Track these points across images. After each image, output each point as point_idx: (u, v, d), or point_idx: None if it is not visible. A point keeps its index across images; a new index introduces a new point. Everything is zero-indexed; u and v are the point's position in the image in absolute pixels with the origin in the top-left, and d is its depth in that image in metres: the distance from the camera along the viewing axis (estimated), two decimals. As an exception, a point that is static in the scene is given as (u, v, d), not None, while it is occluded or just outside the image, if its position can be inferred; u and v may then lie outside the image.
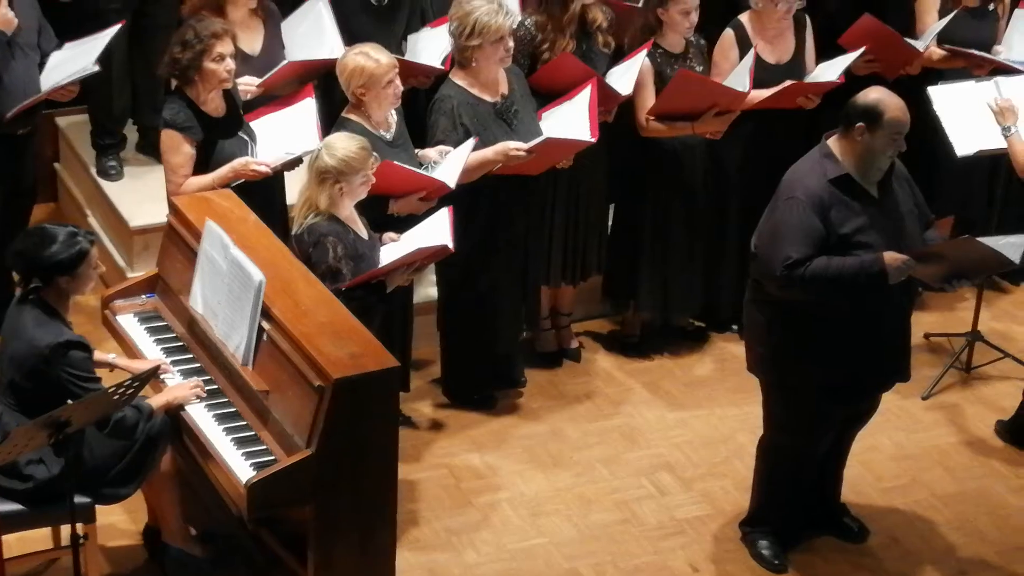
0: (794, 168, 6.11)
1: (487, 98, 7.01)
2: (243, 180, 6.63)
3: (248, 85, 6.96)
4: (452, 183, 6.67)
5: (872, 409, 6.53)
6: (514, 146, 6.89)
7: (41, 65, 7.16)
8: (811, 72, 7.76)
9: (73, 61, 7.12)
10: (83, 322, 7.09)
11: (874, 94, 6.01)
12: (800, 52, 7.75)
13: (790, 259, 5.92)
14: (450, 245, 6.36)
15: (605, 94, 7.26)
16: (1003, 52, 7.93)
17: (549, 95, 7.27)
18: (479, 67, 6.94)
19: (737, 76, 7.46)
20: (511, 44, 6.96)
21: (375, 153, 6.29)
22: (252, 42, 7.14)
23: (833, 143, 6.06)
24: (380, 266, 6.29)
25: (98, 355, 6.05)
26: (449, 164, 6.78)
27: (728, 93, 7.41)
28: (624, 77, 7.38)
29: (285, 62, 7.08)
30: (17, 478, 5.76)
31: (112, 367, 6.15)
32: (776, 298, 6.07)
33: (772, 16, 7.56)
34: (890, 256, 5.92)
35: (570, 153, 7.20)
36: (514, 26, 6.99)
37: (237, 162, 6.62)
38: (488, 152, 6.89)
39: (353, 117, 6.67)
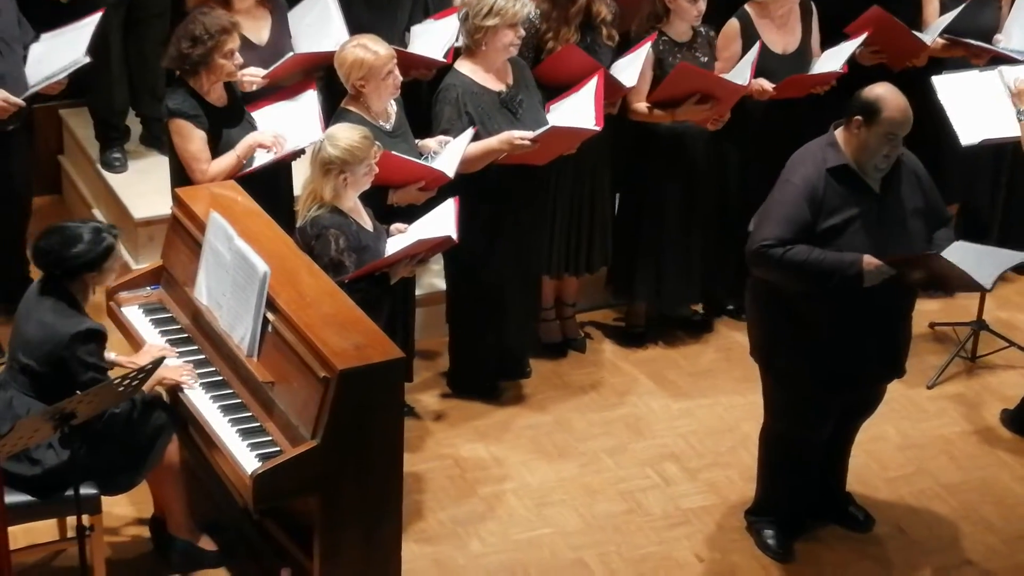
0: (801, 150, 6.13)
1: (492, 87, 7.01)
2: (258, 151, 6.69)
3: (254, 76, 6.97)
4: (451, 173, 6.67)
5: (874, 401, 6.52)
6: (519, 135, 6.89)
7: (23, 59, 7.14)
8: (817, 60, 7.76)
9: (57, 53, 7.08)
10: (89, 313, 7.09)
11: (879, 90, 5.99)
12: (806, 41, 7.75)
13: (766, 239, 5.96)
14: (454, 236, 6.35)
15: (610, 86, 7.25)
16: (1003, 41, 7.92)
17: (553, 87, 7.27)
18: (487, 52, 6.94)
19: (739, 69, 7.45)
20: (522, 33, 6.97)
21: (378, 143, 6.29)
22: (259, 32, 7.13)
23: (838, 133, 6.06)
24: (383, 257, 6.29)
25: None
26: (448, 154, 6.78)
27: (727, 86, 7.41)
28: (628, 69, 7.38)
29: (291, 54, 7.08)
30: (27, 462, 5.77)
31: (114, 365, 6.15)
32: (770, 285, 6.09)
33: (780, 3, 7.55)
34: (868, 260, 5.91)
35: (576, 143, 7.20)
36: (529, 15, 6.99)
37: (251, 136, 6.65)
38: (493, 141, 6.89)
39: (352, 108, 6.67)
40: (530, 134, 6.90)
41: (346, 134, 6.19)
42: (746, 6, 7.67)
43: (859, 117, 5.94)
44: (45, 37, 7.20)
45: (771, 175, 6.21)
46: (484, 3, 6.85)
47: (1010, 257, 6.24)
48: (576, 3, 7.25)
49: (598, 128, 7.03)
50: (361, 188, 6.26)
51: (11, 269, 7.59)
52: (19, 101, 6.95)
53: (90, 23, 7.10)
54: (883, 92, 5.97)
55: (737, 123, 7.61)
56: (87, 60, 7.02)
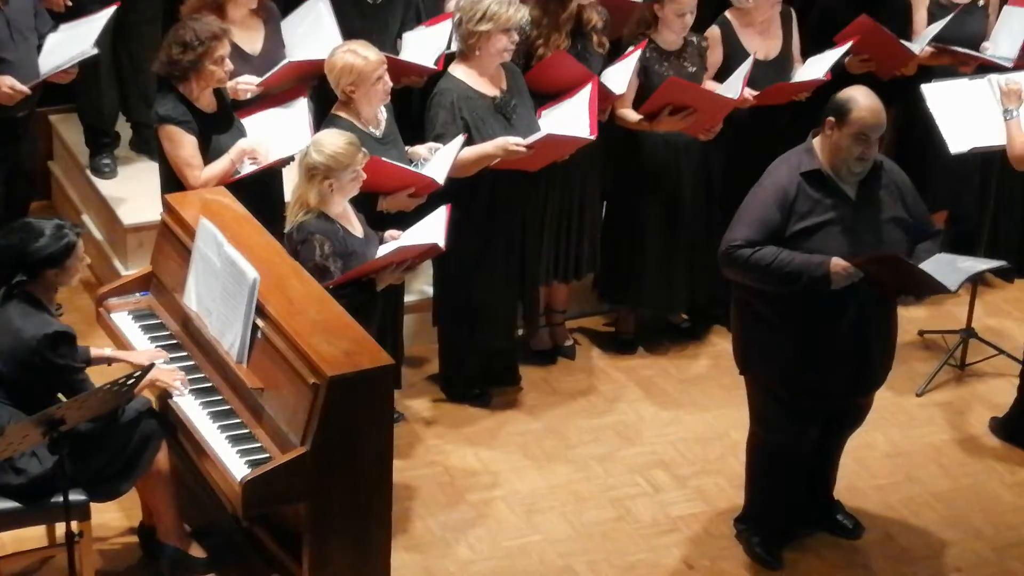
0: (780, 157, 6.16)
1: (486, 92, 7.01)
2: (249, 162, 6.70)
3: (248, 84, 6.98)
4: (441, 179, 6.67)
5: (857, 413, 6.51)
6: (513, 141, 6.89)
7: (38, 48, 7.19)
8: (799, 66, 7.78)
9: (70, 43, 7.17)
10: (77, 320, 7.10)
11: (851, 91, 6.01)
12: (787, 47, 7.78)
13: (735, 241, 5.99)
14: (441, 244, 6.34)
15: (600, 93, 7.26)
16: (990, 48, 7.95)
17: (543, 94, 7.28)
18: (481, 57, 6.94)
19: (731, 83, 7.45)
20: (516, 39, 6.97)
21: (364, 149, 6.28)
22: (252, 42, 7.15)
23: (816, 140, 6.09)
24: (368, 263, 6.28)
25: (95, 351, 6.07)
26: (438, 161, 6.78)
27: (717, 100, 7.41)
28: (618, 77, 7.39)
29: (285, 62, 7.09)
30: (11, 472, 5.76)
31: (110, 361, 6.15)
32: (748, 291, 6.11)
33: (763, 7, 7.55)
34: (835, 262, 5.92)
35: (569, 150, 7.20)
36: (523, 21, 6.99)
37: (243, 142, 6.64)
38: (487, 147, 6.89)
39: (343, 114, 6.66)
40: (524, 141, 6.90)
41: (331, 140, 6.18)
42: (727, 13, 7.69)
43: (831, 118, 5.96)
44: (63, 28, 7.28)
45: (754, 182, 6.22)
46: (477, 8, 6.86)
47: (981, 263, 6.27)
48: (567, 10, 7.26)
49: (592, 137, 7.04)
50: (348, 194, 6.25)
51: None
52: (24, 88, 7.02)
53: (102, 16, 7.19)
54: (854, 93, 5.99)
55: (721, 131, 7.61)
56: (95, 51, 7.09)
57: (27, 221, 5.91)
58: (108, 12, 7.21)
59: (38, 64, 7.15)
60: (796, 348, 6.08)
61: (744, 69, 7.38)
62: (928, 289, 6.27)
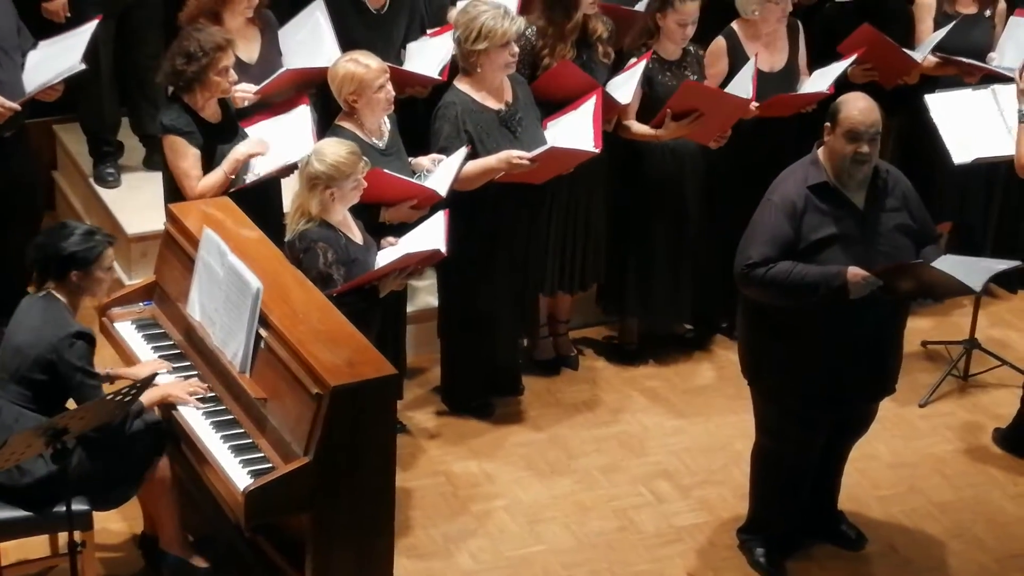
0: (786, 170, 6.16)
1: (491, 105, 7.01)
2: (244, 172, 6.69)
3: (245, 92, 6.98)
4: (443, 191, 6.67)
5: (865, 421, 6.52)
6: (517, 155, 6.89)
7: (21, 66, 7.17)
8: (805, 78, 7.78)
9: (54, 60, 7.12)
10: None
11: (844, 95, 6.04)
12: (794, 58, 7.77)
13: (750, 259, 5.98)
14: (443, 249, 6.35)
15: (605, 104, 7.26)
16: (996, 59, 7.94)
17: (549, 103, 7.28)
18: (484, 73, 6.94)
19: (739, 85, 7.45)
20: (516, 50, 6.97)
21: (365, 158, 6.28)
22: (249, 50, 7.15)
23: (820, 151, 6.09)
24: (372, 271, 6.29)
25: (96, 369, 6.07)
26: (441, 172, 6.78)
27: (732, 102, 7.40)
28: (624, 87, 7.39)
29: (283, 70, 7.09)
30: (15, 471, 5.75)
31: (112, 379, 6.15)
32: (759, 303, 6.10)
33: (769, 20, 7.55)
34: (853, 272, 5.92)
35: (573, 163, 7.19)
36: (520, 31, 6.99)
37: (236, 151, 6.65)
38: (491, 160, 6.89)
39: (346, 125, 6.67)
40: (528, 154, 6.90)
41: (333, 149, 6.19)
42: (733, 24, 7.68)
43: (827, 123, 5.99)
44: (43, 45, 7.25)
45: (760, 194, 6.22)
46: (472, 27, 6.85)
47: (997, 263, 6.26)
48: (572, 20, 7.26)
49: (597, 150, 7.03)
50: (349, 202, 6.26)
51: (10, 282, 7.57)
52: (14, 105, 7.00)
53: (86, 31, 7.15)
54: (846, 95, 6.04)
55: (727, 142, 7.61)
56: (82, 67, 7.07)
57: (65, 222, 6.04)
58: (91, 26, 7.14)
59: (23, 83, 7.10)
60: (812, 356, 6.06)
61: (749, 70, 7.37)
62: (951, 292, 6.28)
